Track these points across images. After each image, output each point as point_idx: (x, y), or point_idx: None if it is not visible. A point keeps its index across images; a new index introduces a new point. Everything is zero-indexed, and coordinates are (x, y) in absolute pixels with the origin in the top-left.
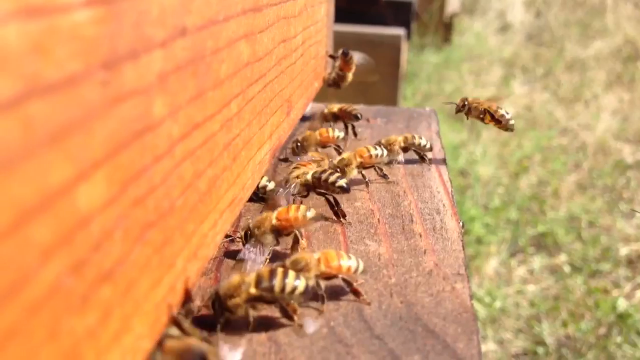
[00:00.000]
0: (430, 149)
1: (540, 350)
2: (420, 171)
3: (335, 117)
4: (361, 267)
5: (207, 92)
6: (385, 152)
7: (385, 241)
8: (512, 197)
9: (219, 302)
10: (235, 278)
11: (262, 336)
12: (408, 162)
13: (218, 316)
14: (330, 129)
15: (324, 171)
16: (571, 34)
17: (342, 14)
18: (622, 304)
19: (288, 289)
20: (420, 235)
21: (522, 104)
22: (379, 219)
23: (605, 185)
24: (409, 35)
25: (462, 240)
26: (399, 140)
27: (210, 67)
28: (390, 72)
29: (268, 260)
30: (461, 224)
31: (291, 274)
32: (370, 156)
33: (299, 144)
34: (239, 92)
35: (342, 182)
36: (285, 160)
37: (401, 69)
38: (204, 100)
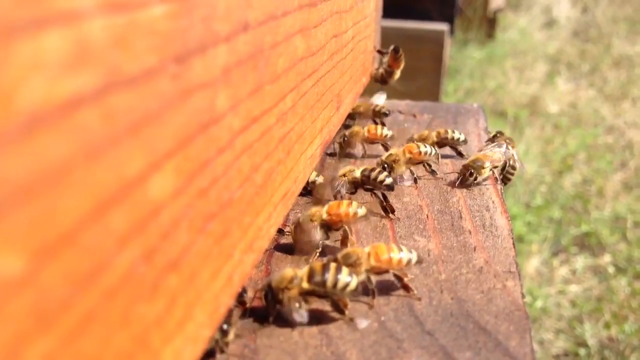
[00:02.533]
0: (465, 142)
1: (582, 351)
2: None
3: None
4: (414, 258)
5: (265, 86)
6: (435, 150)
7: (434, 237)
8: (555, 196)
9: (271, 294)
10: (287, 271)
11: (314, 329)
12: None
13: (270, 308)
14: (378, 126)
15: (372, 169)
16: (619, 30)
17: (387, 9)
18: None
19: (340, 285)
20: (470, 232)
21: (567, 101)
22: (427, 215)
23: None
24: (452, 31)
25: (512, 238)
26: (432, 135)
27: (268, 61)
28: (433, 67)
29: (318, 254)
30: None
31: (344, 270)
32: (420, 153)
33: (345, 139)
34: (294, 86)
35: (388, 181)
36: (332, 155)
37: (444, 65)
38: (262, 94)
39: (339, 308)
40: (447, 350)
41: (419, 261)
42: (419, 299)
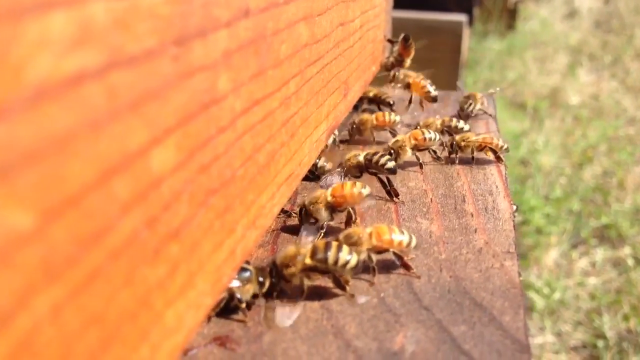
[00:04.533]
0: (469, 131)
1: (600, 343)
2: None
3: (370, 101)
4: (414, 242)
5: (268, 71)
6: (439, 136)
7: (437, 219)
8: (574, 188)
9: (275, 270)
10: (291, 249)
11: (315, 304)
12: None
13: (275, 283)
14: (387, 113)
15: (375, 153)
16: None
17: None
18: None
19: (341, 262)
20: (472, 215)
21: (588, 93)
22: (431, 199)
23: None
24: (471, 22)
25: (513, 221)
26: (436, 123)
27: (270, 47)
28: (451, 59)
29: (322, 235)
30: (515, 207)
31: (345, 248)
32: (425, 139)
33: (355, 126)
34: (298, 72)
35: (390, 164)
36: (344, 142)
37: (462, 56)
38: (264, 78)
39: (341, 284)
40: (443, 324)
41: (417, 246)
42: (419, 277)
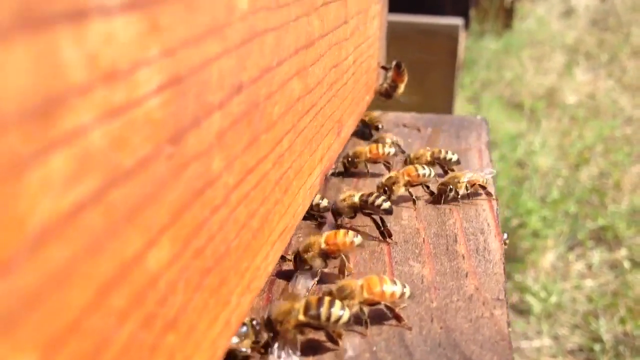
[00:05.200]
0: (458, 162)
1: (597, 347)
2: None
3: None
4: (407, 293)
5: (261, 136)
6: (433, 171)
7: (429, 262)
8: (571, 189)
9: (270, 326)
10: (285, 304)
11: (309, 359)
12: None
13: (270, 339)
14: (380, 145)
15: (370, 194)
16: (638, 19)
17: (398, 2)
18: None
19: (333, 318)
20: (463, 257)
21: (585, 92)
22: (424, 239)
23: None
24: (467, 25)
25: (503, 263)
26: (426, 154)
27: (264, 113)
28: (447, 62)
29: (316, 283)
30: (505, 236)
31: (337, 303)
32: (418, 175)
33: (349, 159)
34: (291, 127)
35: (386, 205)
36: (337, 174)
37: (458, 60)
38: (257, 145)
39: (333, 339)
40: None
41: (411, 296)
42: (410, 329)
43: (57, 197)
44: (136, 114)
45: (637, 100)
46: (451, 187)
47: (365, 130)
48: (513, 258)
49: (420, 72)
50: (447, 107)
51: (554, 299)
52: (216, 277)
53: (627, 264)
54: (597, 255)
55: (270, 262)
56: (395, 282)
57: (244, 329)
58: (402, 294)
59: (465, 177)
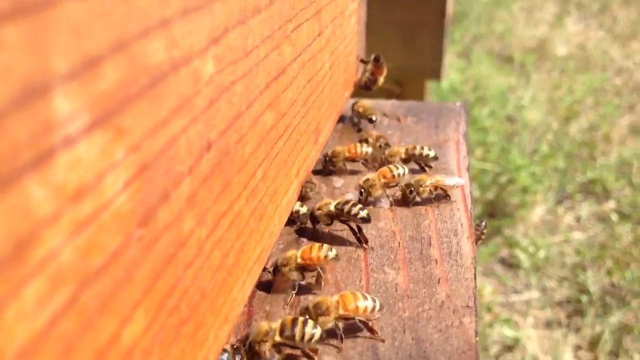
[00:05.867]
0: (436, 158)
1: (584, 298)
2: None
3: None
4: (377, 307)
5: (233, 179)
6: (407, 170)
7: (403, 268)
8: (561, 143)
9: (249, 346)
10: (263, 325)
11: None
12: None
13: (249, 358)
14: (358, 145)
15: (346, 202)
16: None
17: None
18: None
19: (307, 337)
20: (436, 262)
21: (575, 43)
22: (399, 243)
23: None
24: None
25: (474, 268)
26: (400, 152)
27: (234, 157)
28: (436, 21)
29: (293, 295)
30: (483, 224)
31: (309, 323)
32: (393, 176)
33: (327, 158)
34: (264, 157)
35: (362, 214)
36: (317, 172)
37: (447, 19)
38: (230, 189)
39: (309, 356)
40: None
41: (381, 308)
42: (383, 341)
43: (32, 320)
44: (104, 217)
45: (628, 50)
46: (412, 189)
47: (355, 119)
48: (502, 213)
49: (407, 32)
50: (436, 67)
51: (542, 253)
52: (192, 324)
53: (614, 217)
54: (585, 208)
55: (247, 288)
56: (366, 297)
57: (225, 355)
58: (374, 308)
59: (429, 181)
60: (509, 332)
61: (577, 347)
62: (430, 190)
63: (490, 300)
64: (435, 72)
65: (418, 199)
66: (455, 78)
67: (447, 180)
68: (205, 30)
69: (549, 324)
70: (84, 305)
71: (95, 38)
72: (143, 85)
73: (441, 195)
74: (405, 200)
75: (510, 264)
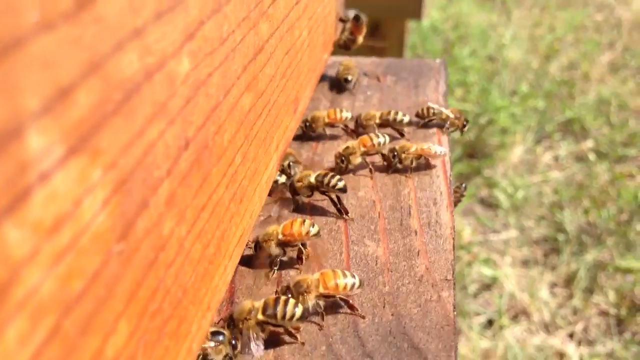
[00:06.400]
0: (410, 124)
1: (561, 237)
2: None
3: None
4: (357, 283)
5: (212, 170)
6: (388, 138)
7: (383, 240)
8: (541, 83)
9: (233, 324)
10: (246, 304)
11: (270, 355)
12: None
13: (233, 336)
14: (337, 110)
15: (325, 174)
16: None
17: None
18: None
19: (288, 315)
20: (416, 233)
21: None
22: (379, 213)
23: (638, 65)
24: None
25: (453, 238)
26: (376, 115)
27: (213, 149)
28: None
29: (275, 272)
30: (463, 186)
31: (291, 302)
32: (373, 145)
33: (307, 124)
34: (242, 141)
35: (340, 184)
36: (296, 138)
37: None
38: (208, 181)
39: (291, 334)
40: None
41: (361, 285)
42: (363, 317)
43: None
44: (83, 241)
45: None
46: (396, 154)
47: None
48: (482, 154)
49: None
50: (416, 6)
51: (521, 193)
52: (175, 321)
53: (593, 155)
54: (564, 148)
55: (229, 272)
56: (346, 275)
57: (221, 337)
58: (353, 285)
59: (413, 148)
60: (487, 271)
61: (553, 284)
62: (412, 158)
63: (469, 241)
64: (416, 11)
65: (399, 165)
66: (435, 16)
67: (432, 148)
68: (180, 29)
69: (526, 263)
70: (66, 332)
71: (66, 66)
72: (117, 101)
73: (422, 165)
74: (388, 165)
75: (490, 204)
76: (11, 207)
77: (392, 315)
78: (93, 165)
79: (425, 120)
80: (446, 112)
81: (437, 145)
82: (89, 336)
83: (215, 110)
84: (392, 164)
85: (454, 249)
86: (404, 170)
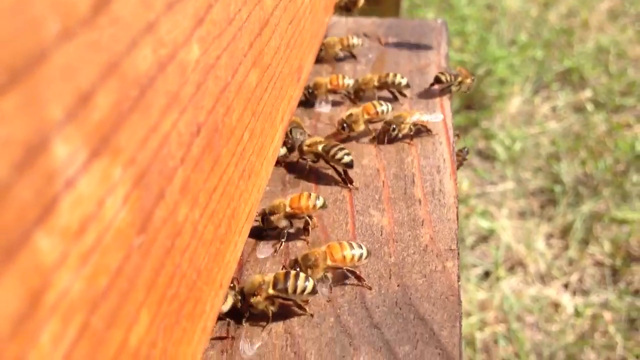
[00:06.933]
0: (408, 86)
1: (558, 188)
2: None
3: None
4: (365, 254)
5: (222, 151)
6: (391, 106)
7: (388, 210)
8: (539, 31)
9: (243, 298)
10: (257, 278)
11: (280, 327)
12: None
13: (243, 310)
14: (340, 76)
15: (334, 145)
16: None
17: None
18: None
19: (299, 289)
20: (420, 202)
21: None
22: (383, 181)
23: (638, 12)
24: None
25: (456, 207)
26: (374, 79)
27: (223, 130)
28: None
29: (282, 243)
30: (465, 150)
31: (302, 276)
32: (377, 112)
33: (310, 90)
34: (250, 118)
35: (347, 159)
36: (299, 104)
37: None
38: (219, 163)
39: (301, 307)
40: (390, 345)
41: (369, 255)
42: (370, 288)
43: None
44: (107, 239)
45: None
46: (394, 126)
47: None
48: (480, 105)
49: None
50: None
51: (518, 145)
52: (190, 303)
53: (591, 105)
54: (562, 98)
55: (239, 248)
56: (352, 246)
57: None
58: (361, 256)
59: (410, 117)
60: (484, 224)
61: (549, 236)
62: (410, 127)
63: (467, 193)
64: None
65: (399, 135)
66: None
67: (427, 117)
68: (190, 15)
69: (522, 214)
70: (94, 328)
71: (86, 72)
72: (134, 97)
73: (422, 130)
74: (388, 137)
75: (487, 156)
76: (41, 217)
77: (398, 286)
78: (114, 164)
79: (445, 86)
80: (462, 77)
81: (431, 114)
82: (114, 329)
83: (224, 91)
84: (392, 136)
85: (457, 219)
86: (404, 138)
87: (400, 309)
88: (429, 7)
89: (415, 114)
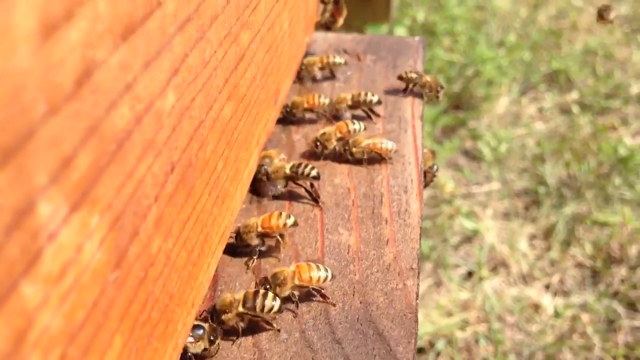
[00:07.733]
0: (379, 103)
1: (542, 189)
2: (397, 135)
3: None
4: (329, 276)
5: (195, 183)
6: (364, 125)
7: (355, 229)
8: (528, 32)
9: (215, 315)
10: (228, 297)
11: (249, 342)
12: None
13: (212, 332)
14: (316, 96)
15: (299, 164)
16: None
17: None
18: (627, 142)
19: (267, 308)
20: (386, 221)
21: None
22: (353, 201)
23: (627, 15)
24: None
25: (420, 227)
26: (347, 98)
27: (197, 164)
28: None
29: (254, 260)
30: (435, 167)
31: (269, 295)
32: (349, 131)
33: (288, 109)
34: (224, 148)
35: (314, 173)
36: (278, 122)
37: None
38: (193, 195)
39: (269, 323)
40: (350, 359)
41: (333, 277)
42: (334, 305)
43: None
44: (84, 279)
45: None
46: (347, 148)
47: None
48: (468, 105)
49: None
50: None
51: (504, 146)
52: (162, 325)
53: (577, 107)
54: (549, 99)
55: (212, 268)
56: (319, 268)
57: (201, 331)
58: (326, 278)
59: (364, 142)
60: (468, 224)
61: (532, 236)
62: (363, 151)
63: (452, 194)
64: None
65: (350, 157)
66: None
67: (382, 144)
68: (166, 69)
69: (507, 215)
70: (70, 357)
71: (69, 139)
72: (111, 152)
73: (375, 159)
74: (342, 156)
75: (474, 156)
76: (27, 269)
77: (360, 303)
78: (91, 213)
79: (409, 87)
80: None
81: (387, 141)
82: (89, 356)
83: (199, 129)
84: (345, 156)
85: (419, 239)
86: (357, 162)
87: (361, 325)
88: (420, 6)
89: (373, 138)
